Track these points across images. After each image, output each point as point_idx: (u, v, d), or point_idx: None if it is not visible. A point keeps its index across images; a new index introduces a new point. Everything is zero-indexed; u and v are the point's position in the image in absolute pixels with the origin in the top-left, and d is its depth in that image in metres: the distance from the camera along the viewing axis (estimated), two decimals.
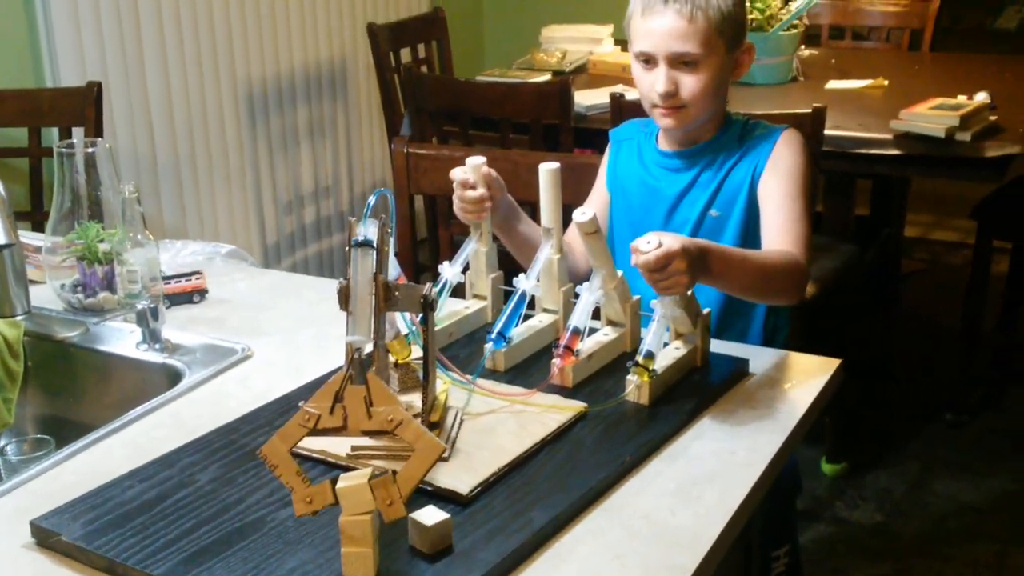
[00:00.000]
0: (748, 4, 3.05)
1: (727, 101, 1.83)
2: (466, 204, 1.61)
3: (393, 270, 1.33)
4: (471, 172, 1.61)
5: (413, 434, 1.05)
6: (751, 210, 1.77)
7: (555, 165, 1.54)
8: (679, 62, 1.71)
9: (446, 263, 1.59)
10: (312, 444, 1.28)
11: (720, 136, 1.80)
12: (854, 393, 3.02)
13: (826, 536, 2.66)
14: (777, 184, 1.74)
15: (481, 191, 1.60)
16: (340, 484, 1.05)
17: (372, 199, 1.22)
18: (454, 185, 1.62)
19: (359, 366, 1.07)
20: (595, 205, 1.90)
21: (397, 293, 1.15)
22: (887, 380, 3.39)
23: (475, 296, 1.68)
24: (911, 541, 2.64)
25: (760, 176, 1.76)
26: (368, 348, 1.10)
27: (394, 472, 1.05)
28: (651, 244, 1.36)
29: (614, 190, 1.90)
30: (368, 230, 1.15)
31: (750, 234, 1.77)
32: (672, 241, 1.37)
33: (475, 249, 1.63)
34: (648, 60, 1.73)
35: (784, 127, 1.81)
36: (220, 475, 1.25)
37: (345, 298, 1.13)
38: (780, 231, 1.70)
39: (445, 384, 1.37)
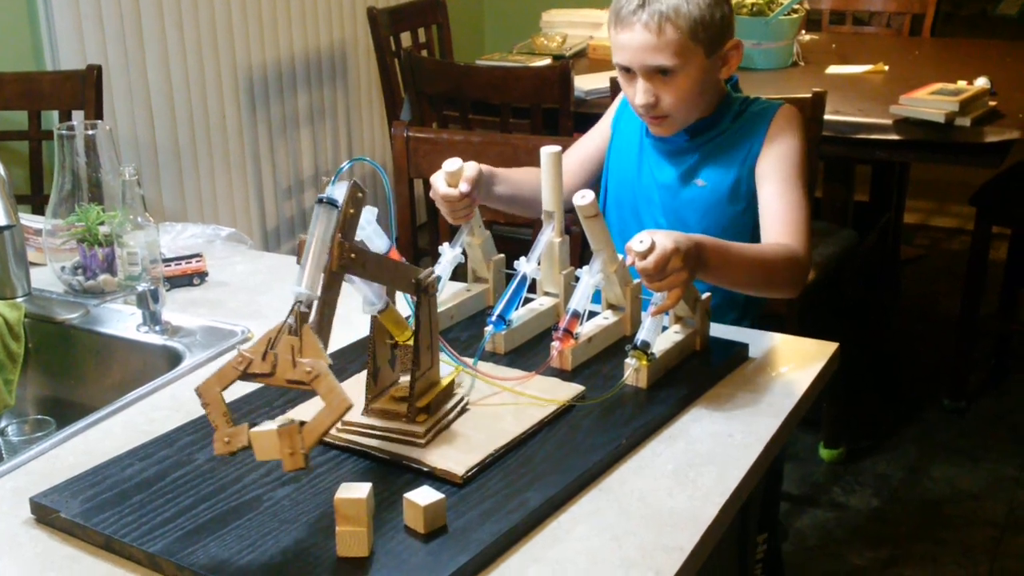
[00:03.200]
0: None
1: (729, 87, 1.82)
2: (456, 212, 1.59)
3: (381, 243, 1.32)
4: (449, 179, 1.58)
5: (325, 387, 1.05)
6: (739, 187, 1.76)
7: (556, 148, 1.55)
8: (655, 72, 1.68)
9: (446, 244, 1.60)
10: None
11: (716, 115, 1.78)
12: (852, 379, 3.02)
13: (823, 521, 2.67)
14: (775, 168, 1.72)
15: (466, 194, 1.56)
16: (253, 429, 1.07)
17: (347, 164, 1.22)
18: (437, 197, 1.59)
19: (299, 318, 1.08)
20: (586, 152, 1.92)
21: (354, 256, 1.13)
22: (885, 366, 3.40)
23: (476, 279, 1.68)
24: (908, 526, 2.65)
25: (757, 157, 1.74)
26: (313, 302, 1.10)
27: (302, 423, 1.05)
28: (644, 244, 1.35)
29: (615, 134, 1.90)
30: (336, 190, 1.14)
31: (733, 211, 1.77)
32: (665, 240, 1.35)
33: (469, 242, 1.63)
34: (627, 70, 1.72)
35: (781, 103, 1.78)
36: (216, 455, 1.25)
37: (300, 251, 1.13)
38: (779, 221, 1.68)
39: (456, 371, 1.36)
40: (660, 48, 1.65)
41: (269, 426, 1.06)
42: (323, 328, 1.11)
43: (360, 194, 1.15)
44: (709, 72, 1.71)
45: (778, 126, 1.74)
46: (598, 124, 1.94)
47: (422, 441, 1.24)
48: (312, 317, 1.10)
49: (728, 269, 1.52)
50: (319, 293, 1.11)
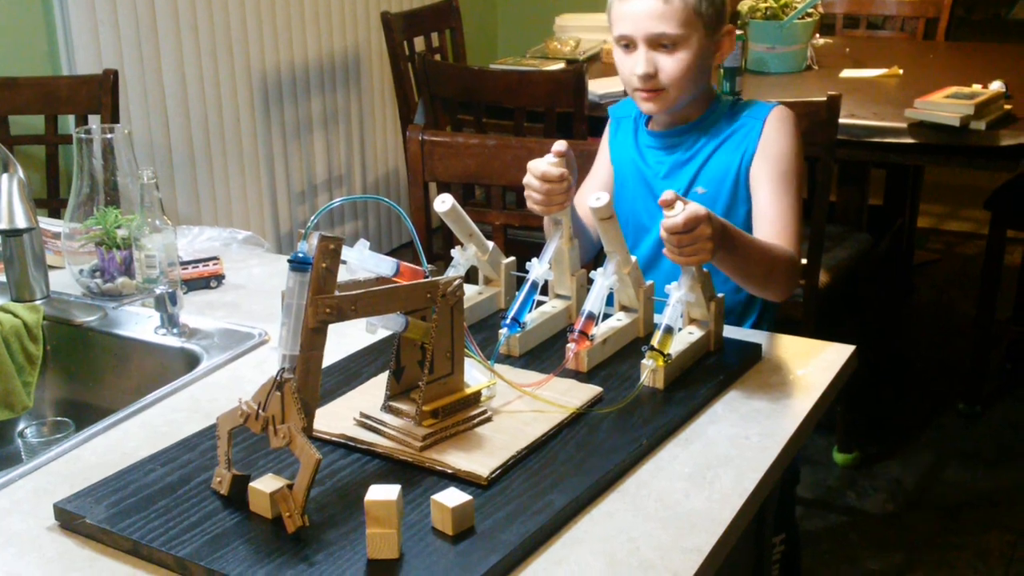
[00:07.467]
0: None
1: (712, 82, 1.82)
2: (553, 195, 1.53)
3: (386, 266, 1.31)
4: (553, 163, 1.51)
5: (299, 449, 1.11)
6: (738, 190, 1.77)
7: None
8: (658, 44, 1.70)
9: (458, 248, 1.60)
10: (332, 428, 1.30)
11: (708, 115, 1.79)
12: (867, 383, 3.02)
13: (838, 525, 2.66)
14: (769, 170, 1.74)
15: (564, 175, 1.52)
16: (252, 483, 1.14)
17: (318, 214, 1.21)
18: (537, 176, 1.52)
19: (283, 376, 1.12)
20: (598, 181, 1.91)
21: (329, 311, 1.13)
22: (900, 370, 3.39)
23: (487, 281, 1.69)
24: (922, 531, 2.64)
25: (751, 159, 1.75)
26: (291, 362, 1.12)
27: (289, 486, 1.12)
28: (676, 206, 1.36)
29: (615, 165, 1.90)
30: (309, 245, 1.13)
31: (736, 214, 1.77)
32: (696, 207, 1.37)
33: (477, 258, 1.62)
34: (628, 44, 1.73)
35: (774, 104, 1.79)
36: (240, 459, 1.26)
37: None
38: (774, 224, 1.70)
39: (490, 383, 1.35)
40: (667, 16, 1.68)
41: (264, 486, 1.14)
42: (307, 387, 1.13)
43: (332, 246, 1.13)
44: (706, 52, 1.74)
45: (772, 127, 1.76)
46: (598, 158, 1.94)
47: (418, 444, 1.24)
48: (296, 377, 1.12)
49: (743, 255, 1.54)
50: (298, 351, 1.12)
